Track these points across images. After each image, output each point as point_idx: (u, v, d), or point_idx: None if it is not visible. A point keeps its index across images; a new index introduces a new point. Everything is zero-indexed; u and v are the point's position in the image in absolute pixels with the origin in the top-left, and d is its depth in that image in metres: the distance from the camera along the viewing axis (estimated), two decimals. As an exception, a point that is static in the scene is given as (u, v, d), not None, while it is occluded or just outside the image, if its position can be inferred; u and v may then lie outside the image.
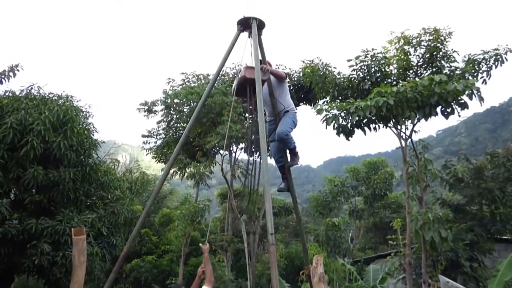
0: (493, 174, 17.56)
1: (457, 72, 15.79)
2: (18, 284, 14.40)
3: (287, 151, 8.09)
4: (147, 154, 22.33)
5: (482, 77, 15.84)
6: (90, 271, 12.26)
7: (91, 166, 13.29)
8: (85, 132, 13.27)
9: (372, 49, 16.33)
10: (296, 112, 8.06)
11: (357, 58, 16.39)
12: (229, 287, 19.43)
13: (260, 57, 7.47)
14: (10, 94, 13.14)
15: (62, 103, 12.93)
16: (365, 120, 14.95)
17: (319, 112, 15.12)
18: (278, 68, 10.11)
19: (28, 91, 13.40)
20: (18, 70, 10.95)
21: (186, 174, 20.24)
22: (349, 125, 14.93)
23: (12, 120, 11.69)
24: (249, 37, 7.60)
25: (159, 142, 20.95)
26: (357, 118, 14.40)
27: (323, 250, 21.46)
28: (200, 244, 7.01)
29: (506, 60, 15.81)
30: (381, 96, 14.05)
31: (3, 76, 10.84)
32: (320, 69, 17.31)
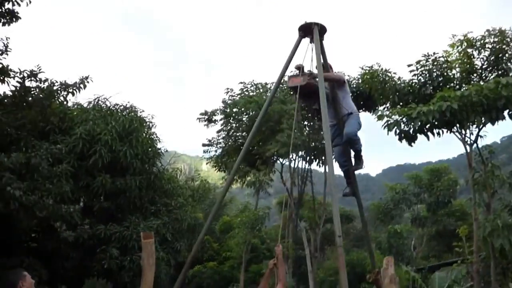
0: None
1: (523, 74, 15.26)
2: (88, 286, 14.93)
3: (352, 155, 8.05)
4: (207, 163, 22.70)
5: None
6: (157, 275, 12.54)
7: (155, 174, 13.65)
8: (149, 141, 13.66)
9: (434, 53, 16.04)
10: (359, 115, 8.02)
11: (418, 62, 16.15)
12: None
13: (322, 62, 7.50)
14: (79, 106, 13.75)
15: (127, 113, 13.38)
16: (428, 125, 14.70)
17: (380, 118, 14.98)
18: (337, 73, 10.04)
19: (95, 102, 13.97)
20: (88, 82, 11.42)
21: (246, 182, 20.44)
22: (411, 131, 14.71)
23: (81, 130, 12.18)
24: (310, 42, 7.64)
25: (218, 151, 21.29)
26: (419, 123, 14.18)
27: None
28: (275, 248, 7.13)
29: None
30: (444, 101, 13.77)
31: (74, 88, 11.36)
32: (380, 75, 17.16)
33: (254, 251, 26.38)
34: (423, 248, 30.76)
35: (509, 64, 15.50)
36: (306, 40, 7.82)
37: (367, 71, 17.55)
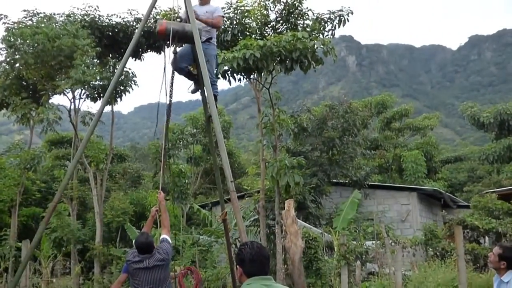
0: (333, 125, 19.55)
1: (307, 29, 17.00)
2: None
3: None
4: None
5: (327, 35, 17.38)
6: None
7: None
8: None
9: (236, 1, 16.71)
10: (215, 46, 8.33)
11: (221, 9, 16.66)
12: (76, 235, 18.92)
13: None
14: None
15: None
16: (229, 71, 15.63)
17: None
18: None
19: None
20: None
21: (33, 120, 18.63)
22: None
23: None
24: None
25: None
26: (225, 68, 14.99)
27: (169, 196, 21.76)
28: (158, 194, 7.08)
29: (348, 21, 17.46)
30: (247, 49, 14.71)
31: None
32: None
33: (24, 194, 24.58)
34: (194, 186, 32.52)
35: (298, 19, 17.05)
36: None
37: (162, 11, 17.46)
